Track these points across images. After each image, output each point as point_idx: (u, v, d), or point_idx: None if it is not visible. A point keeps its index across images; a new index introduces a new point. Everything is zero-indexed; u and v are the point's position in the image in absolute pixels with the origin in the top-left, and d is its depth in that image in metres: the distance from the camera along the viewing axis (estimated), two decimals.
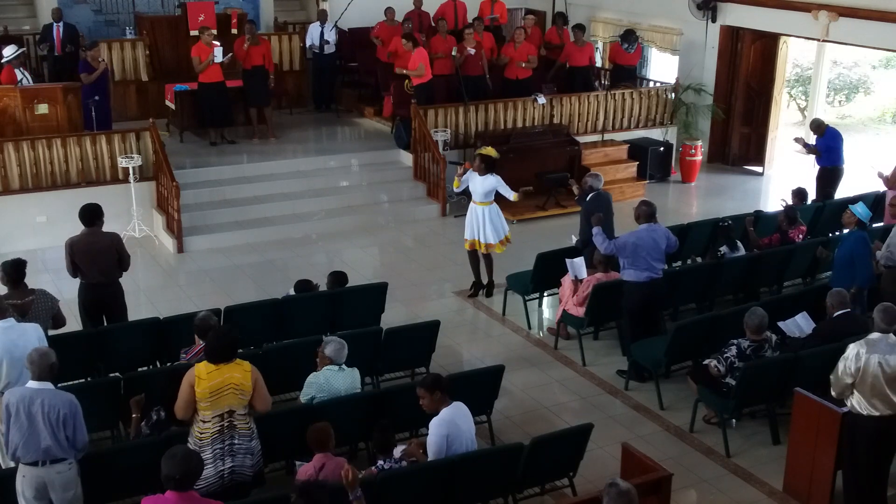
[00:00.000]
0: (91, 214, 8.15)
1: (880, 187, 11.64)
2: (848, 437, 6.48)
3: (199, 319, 7.24)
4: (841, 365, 6.32)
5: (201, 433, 5.91)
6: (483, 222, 10.00)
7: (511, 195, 9.89)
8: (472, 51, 13.99)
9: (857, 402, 6.32)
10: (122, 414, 6.92)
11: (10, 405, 5.56)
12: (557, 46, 15.78)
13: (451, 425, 6.08)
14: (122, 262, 8.25)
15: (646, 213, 8.56)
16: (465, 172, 10.08)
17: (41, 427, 5.55)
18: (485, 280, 10.47)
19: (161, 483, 4.95)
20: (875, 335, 6.31)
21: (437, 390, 6.12)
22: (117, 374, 7.64)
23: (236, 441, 5.96)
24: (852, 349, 6.29)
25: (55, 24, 14.45)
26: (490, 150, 10.16)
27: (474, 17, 15.98)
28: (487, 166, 9.89)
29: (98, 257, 8.09)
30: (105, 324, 8.30)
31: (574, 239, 10.06)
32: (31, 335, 6.43)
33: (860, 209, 8.62)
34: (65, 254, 8.13)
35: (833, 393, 6.46)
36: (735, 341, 7.50)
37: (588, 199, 9.73)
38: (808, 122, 16.32)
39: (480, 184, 9.90)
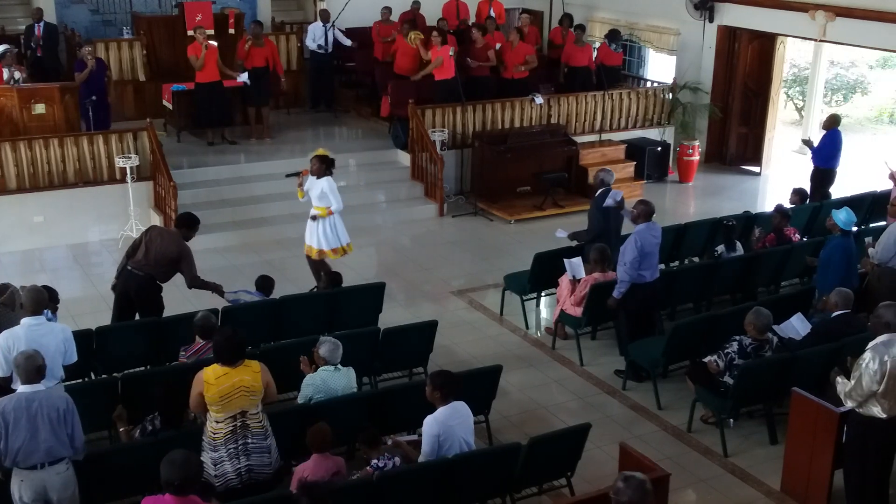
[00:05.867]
0: (183, 218, 8.65)
1: (878, 187, 11.67)
2: (858, 441, 6.35)
3: (200, 319, 7.26)
4: (865, 377, 6.07)
5: (214, 433, 5.93)
6: (317, 227, 9.67)
7: (334, 206, 9.54)
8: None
9: (875, 406, 6.18)
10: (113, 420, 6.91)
11: (7, 413, 5.51)
12: (560, 46, 15.82)
13: (444, 426, 6.08)
14: (166, 272, 8.39)
15: (644, 212, 8.57)
16: (304, 180, 9.70)
17: (41, 429, 5.53)
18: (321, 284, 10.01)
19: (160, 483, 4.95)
20: (885, 337, 6.15)
21: (436, 389, 6.14)
22: (115, 374, 7.63)
23: (250, 440, 5.98)
24: (870, 356, 6.09)
25: (36, 24, 14.47)
26: (324, 151, 9.94)
27: (476, 18, 16.06)
28: (327, 167, 9.60)
29: (150, 248, 8.27)
30: (136, 317, 8.46)
31: (561, 233, 10.01)
32: (57, 336, 6.45)
33: (842, 216, 8.54)
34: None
35: (851, 403, 6.24)
36: (737, 338, 7.50)
37: (598, 193, 9.70)
38: (804, 122, 16.41)
39: (313, 187, 9.61)
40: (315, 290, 9.93)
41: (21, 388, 5.63)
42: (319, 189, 9.56)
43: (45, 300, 6.61)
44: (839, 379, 6.38)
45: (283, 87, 14.23)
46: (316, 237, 9.70)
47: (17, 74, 12.08)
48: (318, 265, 9.90)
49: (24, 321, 6.42)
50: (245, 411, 5.94)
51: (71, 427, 5.66)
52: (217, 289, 8.57)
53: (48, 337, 6.34)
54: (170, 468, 4.85)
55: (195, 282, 8.47)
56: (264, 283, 8.77)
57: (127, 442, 6.42)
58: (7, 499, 5.69)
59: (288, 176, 10.05)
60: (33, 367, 5.61)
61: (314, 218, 9.62)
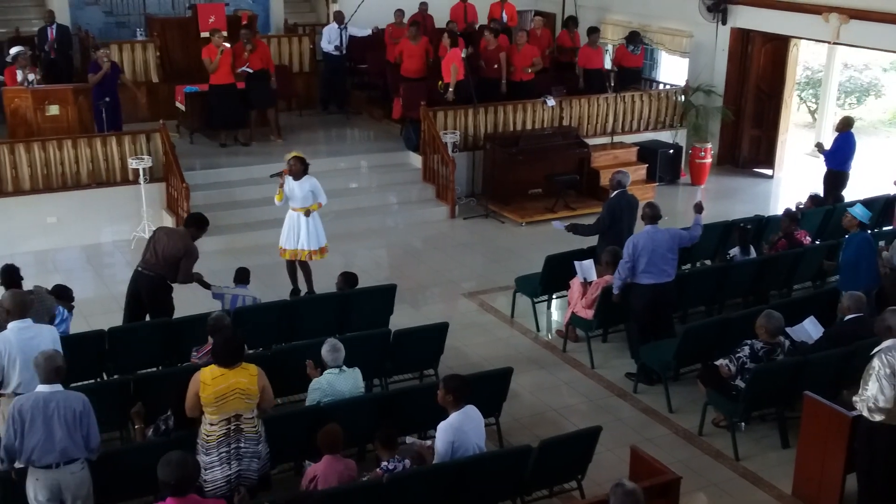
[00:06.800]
0: (193, 218, 8.72)
1: (891, 190, 11.61)
2: (867, 446, 6.34)
3: (213, 319, 7.27)
4: (886, 384, 5.98)
5: (208, 435, 5.92)
6: (300, 229, 9.73)
7: (324, 200, 9.77)
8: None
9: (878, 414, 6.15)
10: (130, 416, 6.93)
11: (24, 412, 5.54)
12: (569, 49, 15.82)
13: (458, 432, 6.07)
14: (177, 271, 8.43)
15: (648, 215, 8.61)
16: (284, 181, 9.64)
17: (58, 429, 5.56)
18: (303, 289, 10.14)
19: None
20: (890, 342, 6.13)
21: (449, 393, 6.12)
22: (127, 375, 7.66)
23: (242, 445, 5.96)
24: (879, 363, 6.05)
25: (48, 26, 14.57)
26: (300, 153, 9.93)
27: (487, 19, 16.07)
28: (305, 168, 9.65)
29: (157, 248, 8.39)
30: (146, 317, 8.53)
31: (558, 224, 9.96)
32: (46, 336, 6.44)
33: (858, 210, 8.60)
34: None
35: (879, 417, 6.10)
36: (749, 342, 7.47)
37: (613, 195, 9.67)
38: (818, 125, 16.35)
39: (298, 188, 9.60)
40: (300, 292, 10.02)
41: (39, 388, 5.66)
42: (307, 189, 9.66)
43: (29, 303, 6.58)
44: (856, 398, 6.25)
45: (274, 85, 13.99)
46: (298, 238, 9.77)
47: (30, 76, 12.15)
48: (296, 267, 10.05)
49: (12, 325, 6.34)
50: (240, 415, 5.93)
51: (87, 429, 5.66)
52: (204, 284, 8.73)
53: (38, 339, 6.33)
54: (166, 469, 4.86)
55: (187, 278, 8.53)
56: (241, 275, 8.90)
57: (139, 442, 6.44)
58: (22, 497, 5.72)
59: (272, 176, 10.08)
60: (52, 368, 5.63)
61: (308, 213, 9.70)
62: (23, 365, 6.22)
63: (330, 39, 15.28)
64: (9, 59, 12.69)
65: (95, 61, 12.90)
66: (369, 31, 15.81)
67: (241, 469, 5.96)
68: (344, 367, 6.85)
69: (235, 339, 6.06)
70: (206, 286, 8.72)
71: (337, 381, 6.79)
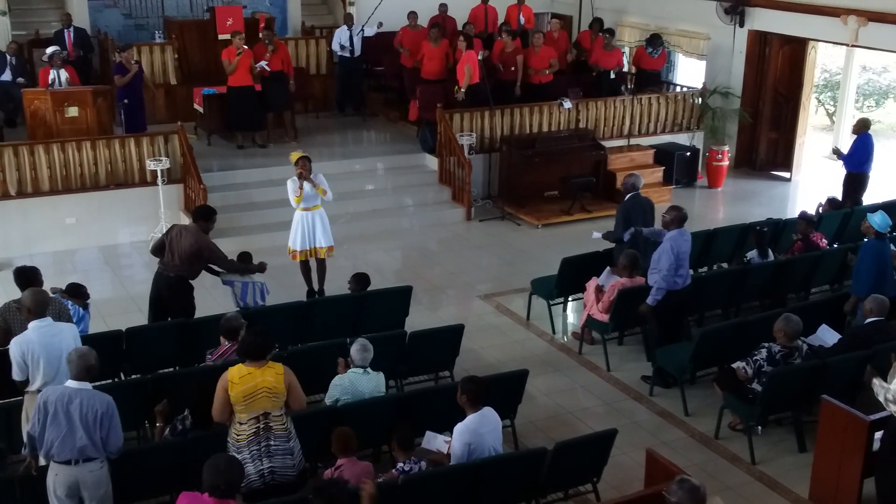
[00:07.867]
0: (198, 211, 8.81)
1: None
2: (892, 443, 6.31)
3: (226, 320, 7.29)
4: None
5: (238, 435, 5.96)
6: (314, 227, 9.81)
7: (329, 192, 9.86)
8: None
9: None
10: (148, 416, 6.96)
11: (49, 404, 5.61)
12: (586, 50, 15.83)
13: (475, 434, 6.08)
14: (193, 269, 8.52)
15: (677, 217, 8.46)
16: (303, 183, 9.60)
17: (78, 426, 5.60)
18: (317, 287, 10.18)
19: (191, 482, 4.98)
20: None
21: (464, 394, 6.15)
22: (145, 375, 7.70)
23: (273, 442, 5.99)
24: None
25: (65, 29, 14.68)
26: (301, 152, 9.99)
27: (502, 22, 16.09)
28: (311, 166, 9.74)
29: (174, 247, 8.46)
30: (168, 317, 8.59)
31: (595, 235, 9.98)
32: (67, 334, 6.50)
33: (877, 219, 8.51)
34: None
35: (893, 408, 6.18)
36: (766, 345, 7.44)
37: (627, 198, 9.65)
38: (836, 128, 16.26)
39: (310, 187, 9.67)
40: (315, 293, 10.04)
41: (68, 383, 5.72)
42: (320, 185, 9.76)
43: (47, 301, 6.64)
44: (875, 381, 6.30)
45: (292, 88, 14.19)
46: (314, 237, 9.85)
47: (62, 75, 12.29)
48: (310, 267, 10.10)
49: (33, 325, 6.39)
50: (268, 413, 5.97)
51: (107, 430, 5.69)
52: (260, 267, 8.89)
53: (59, 337, 6.40)
54: (215, 472, 4.90)
55: (232, 265, 8.62)
56: (245, 259, 9.00)
57: (156, 442, 6.48)
58: (41, 496, 5.77)
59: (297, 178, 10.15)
60: (84, 366, 5.68)
61: (324, 193, 9.81)
62: (46, 363, 6.29)
63: (340, 41, 15.33)
64: (44, 58, 12.89)
65: (120, 63, 12.97)
66: (376, 30, 15.77)
67: (275, 466, 5.99)
68: (369, 370, 6.88)
69: (262, 335, 6.07)
70: (216, 273, 8.77)
71: (360, 381, 6.82)
